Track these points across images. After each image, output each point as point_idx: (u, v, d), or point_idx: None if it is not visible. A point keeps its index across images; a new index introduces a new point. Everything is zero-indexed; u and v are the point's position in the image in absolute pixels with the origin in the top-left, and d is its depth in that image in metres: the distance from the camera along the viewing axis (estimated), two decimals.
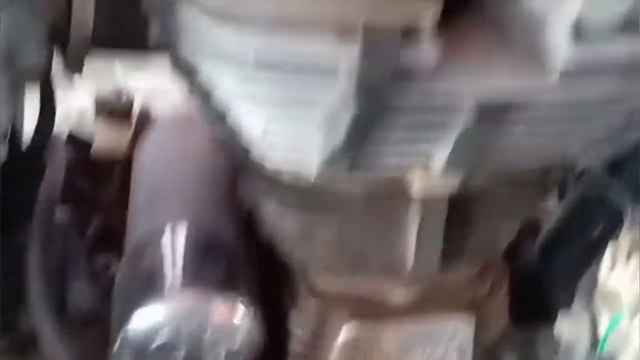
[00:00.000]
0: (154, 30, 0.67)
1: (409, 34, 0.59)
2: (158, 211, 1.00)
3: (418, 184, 0.77)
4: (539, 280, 1.14)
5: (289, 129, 0.68)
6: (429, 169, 0.75)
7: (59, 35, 0.78)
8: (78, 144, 1.16)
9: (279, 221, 0.86)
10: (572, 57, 0.61)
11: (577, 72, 0.63)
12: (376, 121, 0.65)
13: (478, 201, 0.83)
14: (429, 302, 0.90)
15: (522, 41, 0.65)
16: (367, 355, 0.91)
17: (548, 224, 1.14)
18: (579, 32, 0.60)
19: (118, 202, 1.15)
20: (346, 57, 0.59)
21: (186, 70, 0.69)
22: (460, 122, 0.68)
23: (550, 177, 0.85)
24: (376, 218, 0.83)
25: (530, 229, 1.11)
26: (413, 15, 0.59)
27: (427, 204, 0.81)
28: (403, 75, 0.61)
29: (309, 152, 0.71)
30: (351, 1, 0.59)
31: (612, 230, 1.10)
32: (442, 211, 0.81)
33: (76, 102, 1.51)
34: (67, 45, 0.79)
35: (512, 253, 1.01)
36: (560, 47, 0.61)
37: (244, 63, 0.61)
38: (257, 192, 0.87)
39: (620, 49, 0.62)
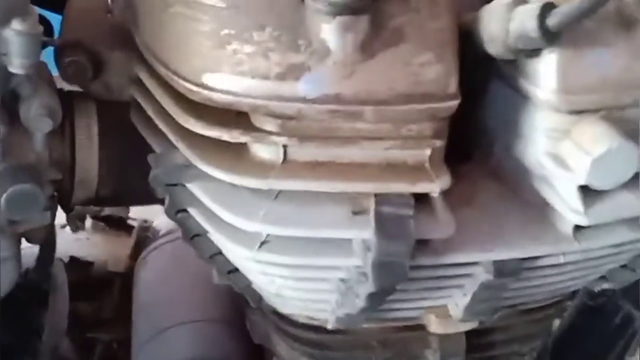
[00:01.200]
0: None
1: (421, 203, 0.58)
2: (164, 346, 0.97)
3: (435, 328, 0.75)
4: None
5: (303, 292, 0.66)
6: (447, 317, 0.73)
7: (63, 198, 0.76)
8: (80, 267, 1.14)
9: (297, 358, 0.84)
10: (584, 213, 0.60)
11: (588, 227, 0.62)
12: (394, 291, 0.63)
13: (496, 332, 0.81)
14: None
15: (530, 195, 0.64)
16: None
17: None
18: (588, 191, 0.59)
19: (119, 317, 1.12)
20: (360, 229, 0.58)
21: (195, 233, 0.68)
22: (477, 280, 0.66)
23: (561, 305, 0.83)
24: (392, 357, 0.81)
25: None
26: (424, 183, 0.58)
27: (446, 338, 0.79)
28: (420, 247, 0.60)
29: (325, 312, 0.69)
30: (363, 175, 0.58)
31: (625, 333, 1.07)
32: (461, 342, 0.79)
33: None
34: (71, 205, 0.77)
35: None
36: (571, 203, 0.60)
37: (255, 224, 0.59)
38: (267, 331, 0.85)
39: (629, 203, 0.61)
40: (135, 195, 0.79)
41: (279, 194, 0.60)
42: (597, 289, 0.81)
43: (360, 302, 0.63)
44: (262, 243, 0.61)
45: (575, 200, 0.60)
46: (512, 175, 0.66)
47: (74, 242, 1.26)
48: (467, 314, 0.71)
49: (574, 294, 0.82)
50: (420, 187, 0.59)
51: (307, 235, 0.59)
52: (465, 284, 0.67)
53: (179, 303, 1.02)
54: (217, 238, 0.64)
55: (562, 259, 0.65)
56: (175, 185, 0.64)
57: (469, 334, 0.79)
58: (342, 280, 0.63)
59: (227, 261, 0.69)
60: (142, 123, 0.68)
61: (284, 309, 0.74)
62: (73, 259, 1.14)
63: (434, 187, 0.59)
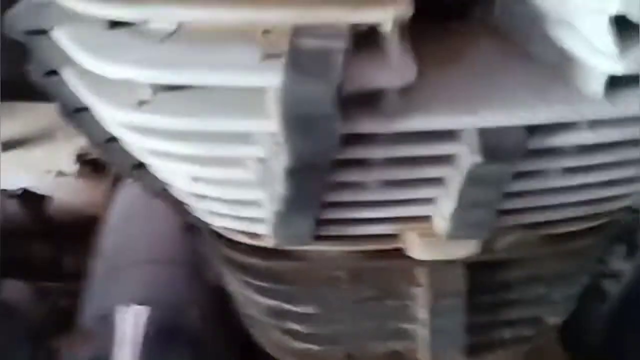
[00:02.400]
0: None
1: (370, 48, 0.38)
2: (114, 286, 0.81)
3: (419, 252, 0.55)
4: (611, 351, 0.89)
5: (218, 174, 0.47)
6: (432, 235, 0.53)
7: None
8: (35, 201, 0.98)
9: (245, 304, 0.65)
10: (618, 55, 0.39)
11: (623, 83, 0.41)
12: (323, 172, 0.43)
13: (510, 268, 0.60)
14: None
15: (541, 50, 0.43)
16: None
17: (614, 293, 0.89)
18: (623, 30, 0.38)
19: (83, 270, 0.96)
20: (272, 72, 0.38)
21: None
22: (461, 166, 0.46)
23: (605, 233, 0.61)
24: (368, 300, 0.61)
25: (592, 299, 0.86)
26: (368, 10, 0.38)
27: (437, 278, 0.58)
28: (365, 101, 0.40)
29: (256, 218, 0.50)
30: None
31: None
32: (460, 286, 0.58)
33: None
34: None
35: (571, 334, 0.78)
36: (600, 45, 0.39)
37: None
38: (218, 261, 0.66)
39: None
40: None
41: (167, 36, 0.41)
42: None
43: (280, 188, 0.43)
44: (143, 102, 0.42)
45: (606, 39, 0.40)
46: (517, 30, 0.46)
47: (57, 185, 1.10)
48: (456, 227, 0.50)
49: (621, 214, 0.60)
50: (362, 15, 0.39)
51: (199, 83, 0.41)
52: (446, 175, 0.47)
53: (137, 242, 0.86)
54: (90, 101, 0.45)
55: (587, 136, 0.44)
56: (37, 33, 0.46)
57: (472, 268, 0.59)
58: (259, 160, 0.44)
59: (123, 150, 0.50)
60: None
61: (213, 221, 0.55)
62: (26, 192, 0.97)
63: (384, 14, 0.39)
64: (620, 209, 0.58)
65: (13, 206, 0.95)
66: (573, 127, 0.44)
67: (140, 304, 0.76)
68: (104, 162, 1.13)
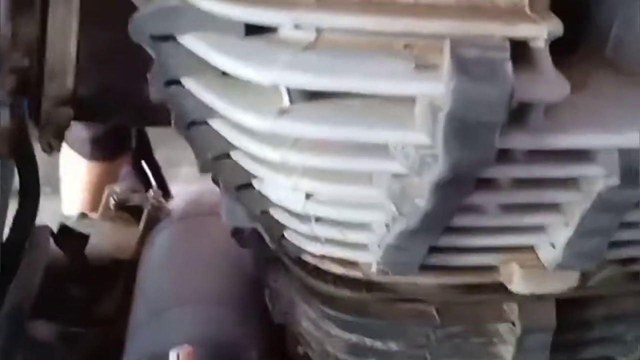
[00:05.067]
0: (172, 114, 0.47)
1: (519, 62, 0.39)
2: (163, 328, 0.78)
3: (517, 285, 0.54)
4: None
5: (338, 192, 0.46)
6: (536, 266, 0.53)
7: (29, 94, 0.57)
8: (72, 239, 0.95)
9: (322, 338, 0.63)
10: None
11: None
12: (468, 188, 0.43)
13: (595, 305, 0.60)
14: None
15: None
16: None
17: None
18: None
19: (120, 314, 0.93)
20: (427, 82, 0.38)
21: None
22: (591, 190, 0.46)
23: None
24: (454, 337, 0.59)
25: None
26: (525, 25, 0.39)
27: (528, 314, 0.57)
28: (516, 116, 0.40)
29: (368, 242, 0.49)
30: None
31: None
32: (550, 324, 0.58)
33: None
34: (40, 104, 0.58)
35: None
36: None
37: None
38: (292, 299, 0.65)
39: None
40: (126, 103, 0.60)
41: (310, 44, 0.41)
42: None
43: (421, 203, 0.42)
44: (284, 110, 0.42)
45: None
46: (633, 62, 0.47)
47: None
48: (569, 256, 0.50)
49: None
50: (521, 30, 0.39)
51: (351, 89, 0.40)
52: (572, 199, 0.47)
53: (183, 284, 0.83)
54: (222, 109, 0.44)
55: None
56: (165, 39, 0.45)
57: (560, 305, 0.58)
58: (396, 176, 0.44)
59: (235, 166, 0.49)
60: None
61: (311, 247, 0.54)
62: (64, 228, 0.95)
63: (539, 30, 0.40)
64: None
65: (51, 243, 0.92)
66: None
67: (191, 344, 0.73)
68: (140, 207, 1.13)
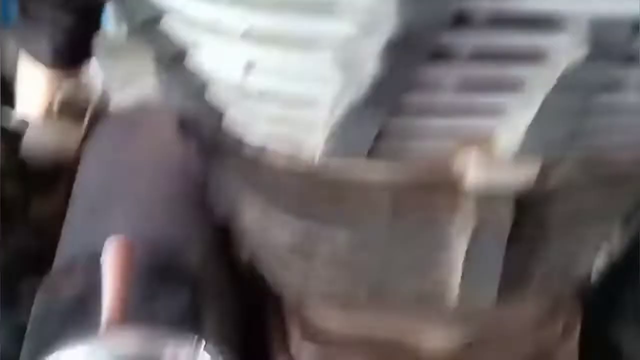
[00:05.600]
0: None
1: None
2: (98, 223, 0.73)
3: (474, 174, 0.50)
4: (605, 316, 0.87)
5: (283, 59, 0.41)
6: (493, 150, 0.49)
7: None
8: (8, 137, 0.90)
9: (265, 233, 0.60)
10: None
11: None
12: (425, 48, 0.38)
13: (556, 202, 0.56)
14: (480, 350, 0.63)
15: None
16: None
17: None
18: None
19: (59, 217, 0.89)
20: None
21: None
22: (557, 62, 0.41)
23: None
24: (407, 227, 0.56)
25: None
26: None
27: (484, 205, 0.54)
28: None
29: (311, 121, 0.45)
30: None
31: None
32: (507, 217, 0.54)
33: None
34: None
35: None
36: None
37: None
38: (235, 194, 0.61)
39: None
40: None
41: None
42: None
43: (371, 69, 0.38)
44: None
45: None
46: None
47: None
48: (527, 143, 0.46)
49: None
50: None
51: None
52: (536, 75, 0.43)
53: (122, 181, 0.79)
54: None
55: None
56: None
57: (519, 203, 0.55)
58: (344, 40, 0.39)
59: (168, 33, 0.44)
60: None
61: (252, 129, 0.49)
62: (3, 129, 0.90)
63: None
64: None
65: None
66: None
67: (130, 239, 0.69)
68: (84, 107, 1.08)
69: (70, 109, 1.05)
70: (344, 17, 0.38)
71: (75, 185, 0.84)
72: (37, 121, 1.03)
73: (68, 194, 0.88)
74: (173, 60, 0.47)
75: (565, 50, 0.40)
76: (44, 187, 0.97)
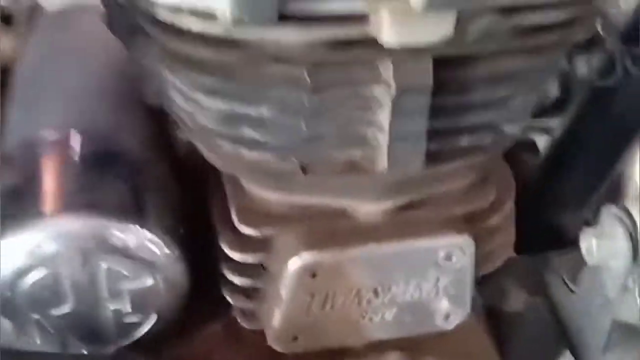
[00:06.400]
0: None
1: None
2: (38, 115, 0.74)
3: (389, 31, 0.51)
4: (546, 200, 0.90)
5: None
6: (406, 7, 0.49)
7: None
8: None
9: (193, 117, 0.60)
10: None
11: None
12: None
13: (476, 65, 0.57)
14: (412, 219, 0.65)
15: None
16: (330, 294, 0.66)
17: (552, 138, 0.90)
18: None
19: None
20: None
21: None
22: None
23: (567, 31, 0.58)
24: (329, 101, 0.57)
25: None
26: None
27: (403, 71, 0.54)
28: None
29: None
30: None
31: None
32: (426, 74, 0.55)
33: None
34: None
35: (515, 169, 0.76)
36: None
37: None
38: (162, 81, 0.61)
39: None
40: None
41: None
42: None
43: None
44: None
45: None
46: None
47: None
48: None
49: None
50: None
51: None
52: None
53: (58, 76, 0.78)
54: None
55: None
56: None
57: (438, 64, 0.55)
58: None
59: None
60: None
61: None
62: None
63: None
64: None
65: None
66: None
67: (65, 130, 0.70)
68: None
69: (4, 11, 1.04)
70: None
71: (13, 82, 0.84)
72: None
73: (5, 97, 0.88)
74: None
75: None
76: None
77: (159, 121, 0.71)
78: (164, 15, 0.52)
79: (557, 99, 0.86)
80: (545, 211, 0.90)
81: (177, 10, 0.51)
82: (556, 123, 0.91)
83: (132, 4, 0.54)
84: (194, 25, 0.52)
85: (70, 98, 0.74)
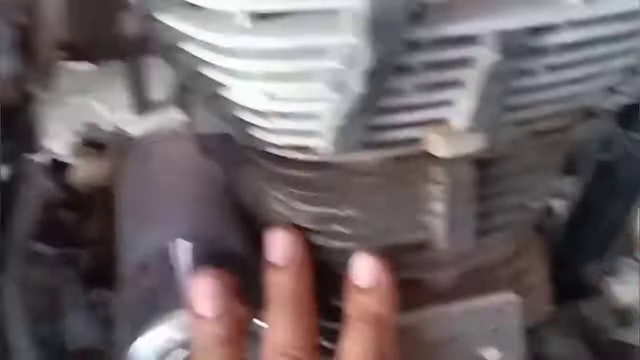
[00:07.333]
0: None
1: None
2: (154, 231, 0.90)
3: (440, 146, 0.69)
4: (570, 256, 1.07)
5: (293, 89, 0.60)
6: (450, 130, 0.67)
7: (25, 38, 0.69)
8: (59, 172, 1.07)
9: (291, 215, 0.78)
10: None
11: None
12: (391, 69, 0.57)
13: (505, 162, 0.75)
14: (470, 278, 0.81)
15: None
16: (405, 353, 0.82)
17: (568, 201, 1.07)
18: None
19: (103, 235, 1.06)
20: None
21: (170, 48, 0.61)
22: (481, 66, 0.60)
23: (571, 131, 0.77)
24: (396, 200, 0.74)
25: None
26: None
27: (451, 171, 0.72)
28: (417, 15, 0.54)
29: (318, 129, 0.63)
30: None
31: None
32: (469, 177, 0.73)
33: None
34: (32, 50, 0.70)
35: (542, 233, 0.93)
36: None
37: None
38: (261, 188, 0.79)
39: None
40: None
41: None
42: (604, 103, 0.77)
43: (356, 89, 0.56)
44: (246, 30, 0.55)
45: None
46: None
47: None
48: (472, 121, 0.65)
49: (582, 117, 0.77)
50: None
51: (289, 9, 0.53)
52: (467, 78, 0.61)
53: (163, 194, 0.96)
54: (195, 34, 0.57)
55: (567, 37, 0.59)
56: None
57: (476, 164, 0.73)
58: (334, 71, 0.57)
59: (206, 80, 0.62)
60: None
61: (274, 139, 0.68)
62: (56, 162, 1.06)
63: None
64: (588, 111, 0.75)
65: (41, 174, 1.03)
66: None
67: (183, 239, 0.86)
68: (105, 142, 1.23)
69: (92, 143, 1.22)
70: (333, 57, 0.56)
71: (118, 208, 1.01)
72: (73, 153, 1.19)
73: (107, 217, 1.05)
74: (210, 98, 0.65)
75: (485, 57, 0.58)
76: (87, 212, 1.14)
77: (252, 227, 0.88)
78: (273, 150, 0.71)
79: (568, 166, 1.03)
80: (568, 266, 1.07)
81: (284, 147, 0.69)
82: (569, 187, 1.08)
83: (245, 141, 0.72)
84: (297, 155, 0.70)
85: (177, 213, 0.91)
